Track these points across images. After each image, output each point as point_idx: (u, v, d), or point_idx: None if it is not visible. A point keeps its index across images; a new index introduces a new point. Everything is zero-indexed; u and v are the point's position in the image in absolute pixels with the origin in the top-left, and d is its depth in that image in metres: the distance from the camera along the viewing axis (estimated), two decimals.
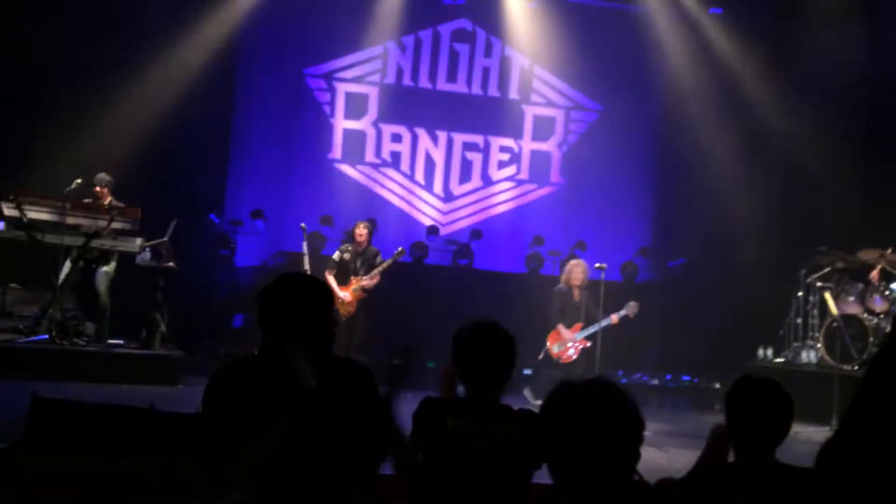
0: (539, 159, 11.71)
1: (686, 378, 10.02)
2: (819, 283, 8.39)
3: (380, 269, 8.04)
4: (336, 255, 8.09)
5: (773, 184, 10.05)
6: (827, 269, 8.42)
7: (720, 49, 10.70)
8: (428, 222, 11.35)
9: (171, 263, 7.93)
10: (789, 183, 10.03)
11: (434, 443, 2.60)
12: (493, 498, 2.57)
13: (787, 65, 10.21)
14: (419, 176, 11.47)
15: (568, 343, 7.73)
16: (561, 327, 7.78)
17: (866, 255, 8.23)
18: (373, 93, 11.33)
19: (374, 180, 11.36)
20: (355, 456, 2.39)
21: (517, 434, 2.58)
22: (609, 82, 11.31)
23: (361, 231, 8.08)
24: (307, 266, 7.96)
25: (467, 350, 2.68)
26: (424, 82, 11.48)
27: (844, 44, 9.60)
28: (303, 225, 8.43)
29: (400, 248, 8.30)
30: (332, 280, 7.83)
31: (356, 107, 11.26)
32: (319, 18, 10.45)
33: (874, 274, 8.00)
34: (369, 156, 11.33)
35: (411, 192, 11.46)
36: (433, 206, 11.51)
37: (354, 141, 11.26)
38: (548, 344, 7.84)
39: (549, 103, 11.74)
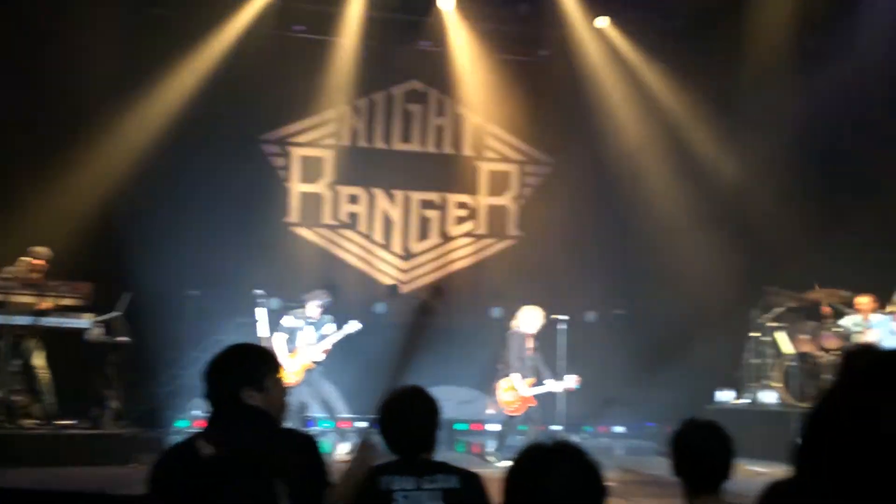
0: (496, 214, 11.84)
1: (651, 424, 10.00)
2: (771, 324, 8.50)
3: (331, 342, 7.99)
4: (286, 321, 8.04)
5: (724, 228, 10.23)
6: (779, 310, 8.55)
7: (663, 100, 11.01)
8: (388, 281, 11.37)
9: (124, 338, 7.81)
10: (739, 226, 10.22)
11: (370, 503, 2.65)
12: None
13: (731, 113, 10.52)
14: (377, 236, 11.53)
15: (518, 396, 7.61)
16: (517, 377, 7.65)
17: (815, 293, 8.38)
18: (328, 155, 11.45)
19: (332, 242, 11.39)
20: None
21: (454, 486, 2.67)
22: (560, 136, 11.55)
23: (315, 307, 8.05)
24: (263, 333, 7.91)
25: (395, 417, 2.77)
26: (379, 143, 11.64)
27: (785, 91, 9.92)
28: (257, 291, 8.40)
29: (354, 321, 8.23)
30: (281, 346, 7.78)
31: (312, 170, 11.36)
32: (272, 85, 10.59)
33: (825, 311, 8.14)
34: (326, 218, 11.38)
35: (370, 252, 11.50)
36: (393, 265, 11.55)
37: (311, 204, 11.33)
38: (498, 391, 7.67)
39: (504, 159, 11.94)
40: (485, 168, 11.89)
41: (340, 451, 8.07)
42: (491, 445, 8.34)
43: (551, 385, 7.56)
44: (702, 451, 2.50)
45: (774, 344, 8.47)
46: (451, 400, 10.26)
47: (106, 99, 9.51)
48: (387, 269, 11.52)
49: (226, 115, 10.26)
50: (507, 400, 7.59)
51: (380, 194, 11.59)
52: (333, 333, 8.07)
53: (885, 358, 0.78)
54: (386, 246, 11.55)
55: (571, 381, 7.59)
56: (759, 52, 10.10)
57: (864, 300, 8.00)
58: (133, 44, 9.78)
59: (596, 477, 1.74)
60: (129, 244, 9.38)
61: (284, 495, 2.17)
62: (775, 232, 9.57)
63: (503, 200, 11.91)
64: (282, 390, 2.66)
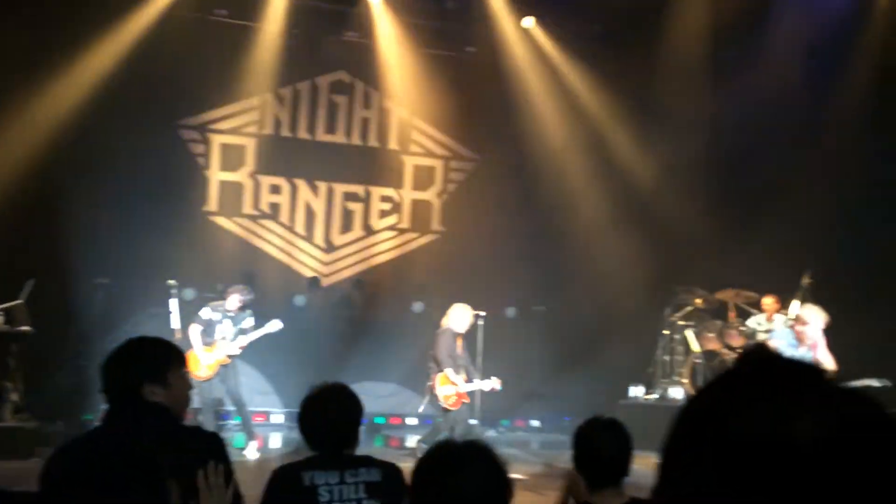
0: (420, 208, 11.85)
1: (567, 419, 10.21)
2: (681, 322, 8.80)
3: (249, 339, 7.83)
4: (204, 313, 7.82)
5: (640, 228, 10.53)
6: (688, 308, 8.86)
7: (585, 101, 11.25)
8: (309, 273, 11.24)
9: (26, 327, 7.46)
10: (654, 227, 10.53)
11: (293, 500, 2.66)
12: None
13: (648, 116, 10.83)
14: (299, 227, 11.37)
15: (455, 390, 7.59)
16: (451, 372, 7.61)
17: (722, 294, 8.73)
18: (250, 144, 11.22)
19: (253, 232, 11.17)
20: None
21: (377, 479, 2.72)
22: (485, 132, 11.64)
23: (235, 301, 7.87)
24: (176, 324, 7.69)
25: (317, 414, 2.76)
26: (303, 133, 11.47)
27: (698, 97, 10.28)
28: (171, 281, 8.15)
29: (275, 321, 8.08)
30: (196, 338, 7.58)
31: (232, 158, 11.10)
32: (192, 69, 10.29)
33: (730, 315, 8.47)
34: (247, 208, 11.15)
35: (291, 243, 11.33)
36: (314, 258, 11.42)
37: (231, 193, 11.07)
38: (435, 388, 7.64)
39: (429, 153, 11.95)
40: (409, 162, 11.88)
41: (251, 447, 7.93)
42: (414, 440, 8.32)
43: (479, 384, 7.62)
44: (601, 447, 2.58)
45: (684, 341, 8.78)
46: (370, 394, 10.25)
47: (14, 79, 9.04)
48: (308, 261, 11.38)
49: (143, 99, 9.90)
50: (447, 394, 7.56)
51: (302, 185, 11.43)
52: (253, 331, 7.89)
53: (770, 360, 0.78)
54: (308, 238, 11.40)
55: (496, 383, 7.69)
56: (675, 57, 10.44)
57: (768, 301, 8.37)
58: (47, 21, 9.32)
59: (503, 475, 1.76)
60: (33, 229, 8.97)
61: (177, 497, 2.10)
62: (688, 233, 9.92)
63: (427, 195, 11.93)
64: (186, 386, 2.60)
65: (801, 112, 9.95)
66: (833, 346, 6.70)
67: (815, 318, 5.81)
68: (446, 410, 7.63)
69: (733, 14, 9.90)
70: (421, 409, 8.01)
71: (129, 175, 9.77)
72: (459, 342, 7.77)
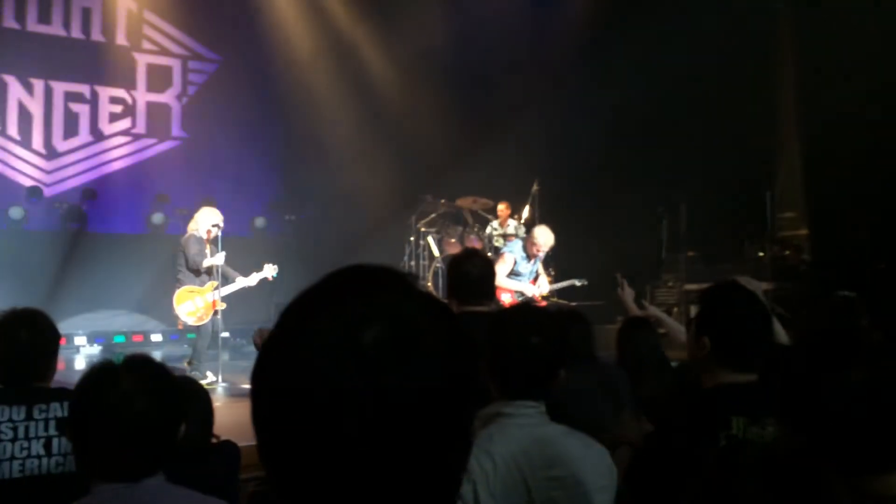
0: (157, 112, 10.99)
1: None
2: (424, 229, 9.22)
3: None
4: None
5: (385, 138, 10.71)
6: (432, 216, 9.28)
7: (331, 7, 10.99)
8: (28, 183, 10.05)
9: None
10: (400, 140, 10.76)
11: None
12: None
13: (388, 20, 10.82)
14: (12, 130, 10.04)
15: (200, 303, 6.92)
16: (192, 286, 7.07)
17: (462, 201, 9.25)
18: None
19: None
20: None
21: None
22: (226, 32, 10.96)
23: None
24: None
25: (4, 342, 2.53)
26: (10, 22, 9.98)
27: (436, 12, 10.44)
28: None
29: None
30: None
31: None
32: None
33: (498, 214, 8.94)
34: None
35: (4, 148, 10.00)
36: (33, 165, 10.20)
37: None
38: (176, 306, 6.85)
39: (164, 52, 11.02)
40: (142, 60, 10.88)
41: None
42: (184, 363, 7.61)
43: (243, 281, 7.10)
44: None
45: (428, 247, 9.21)
46: (109, 309, 9.59)
47: None
48: (26, 168, 10.13)
49: None
50: (190, 310, 6.91)
51: (13, 82, 10.04)
52: None
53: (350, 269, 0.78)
54: (23, 143, 10.12)
55: (270, 271, 7.20)
56: None
57: (501, 207, 9.01)
58: None
59: (166, 390, 1.74)
60: None
61: None
62: (430, 144, 10.28)
63: (165, 97, 11.07)
64: None
65: (528, 31, 10.52)
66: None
67: (545, 240, 6.42)
68: (198, 326, 7.05)
69: None
70: (180, 326, 7.36)
71: None
72: (211, 248, 7.15)
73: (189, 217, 7.40)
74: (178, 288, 6.87)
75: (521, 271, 6.63)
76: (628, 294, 4.03)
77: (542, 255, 6.66)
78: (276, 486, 0.70)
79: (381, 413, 0.68)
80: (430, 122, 10.38)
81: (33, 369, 2.55)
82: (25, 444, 2.48)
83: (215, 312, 6.96)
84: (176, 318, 7.00)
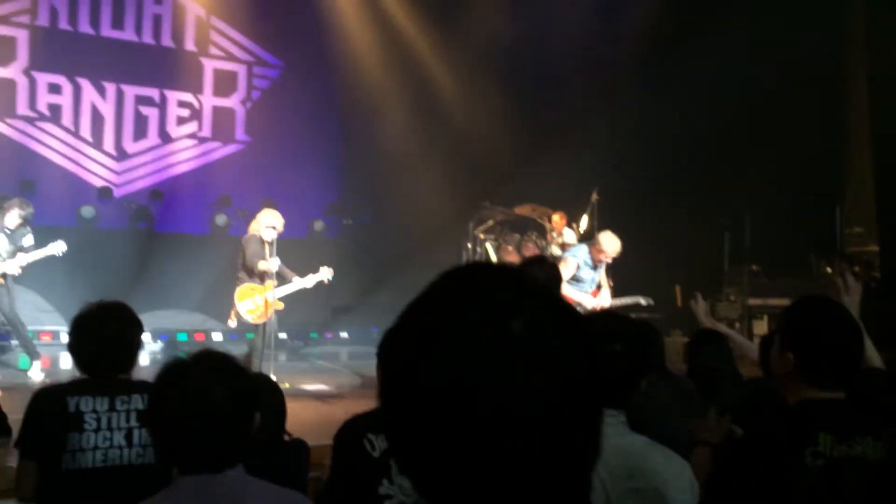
0: (222, 116, 11.24)
1: (375, 330, 10.46)
2: (482, 235, 9.22)
3: (29, 259, 7.09)
4: None
5: (445, 144, 10.75)
6: (489, 223, 9.28)
7: (392, 11, 11.10)
8: (99, 183, 10.38)
9: None
10: (460, 145, 10.80)
11: (55, 426, 2.48)
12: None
13: (452, 28, 10.88)
14: (85, 132, 10.39)
15: (260, 301, 6.96)
16: (253, 284, 6.99)
17: (520, 209, 9.23)
18: (21, 36, 9.95)
19: (30, 136, 10.06)
20: None
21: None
22: (290, 38, 11.15)
23: (15, 218, 7.03)
24: None
25: (91, 333, 2.58)
26: (85, 27, 10.34)
27: (498, 13, 10.47)
28: None
29: (59, 242, 7.24)
30: None
31: (1, 51, 9.80)
32: None
33: (550, 226, 8.79)
34: (21, 108, 9.98)
35: (77, 149, 10.35)
36: (104, 166, 10.53)
37: (1, 91, 9.83)
38: (237, 302, 6.97)
39: (230, 57, 11.28)
40: (209, 66, 11.16)
41: (36, 368, 7.36)
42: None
43: (300, 282, 7.19)
44: None
45: (485, 254, 9.21)
46: (172, 308, 9.82)
47: None
48: (97, 169, 10.47)
49: None
50: (250, 308, 7.04)
51: (87, 85, 10.39)
52: (34, 251, 7.14)
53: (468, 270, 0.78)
54: (95, 144, 10.46)
55: (326, 273, 7.26)
56: None
57: (556, 217, 8.94)
58: None
59: (240, 383, 1.75)
60: None
61: None
62: (489, 151, 10.28)
63: (230, 102, 11.32)
64: None
65: (591, 38, 10.45)
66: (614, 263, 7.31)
67: (612, 247, 6.31)
68: (258, 325, 7.16)
69: None
70: (233, 325, 7.47)
71: None
72: (269, 249, 7.26)
73: (251, 218, 7.52)
74: (240, 285, 6.98)
75: (584, 278, 6.49)
76: (701, 307, 3.96)
77: (607, 262, 6.53)
78: (423, 481, 0.71)
79: (533, 407, 0.68)
80: (490, 128, 10.40)
81: (117, 361, 2.60)
82: (108, 435, 2.55)
83: (273, 313, 7.01)
84: (232, 314, 7.07)
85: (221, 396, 1.68)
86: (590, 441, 0.72)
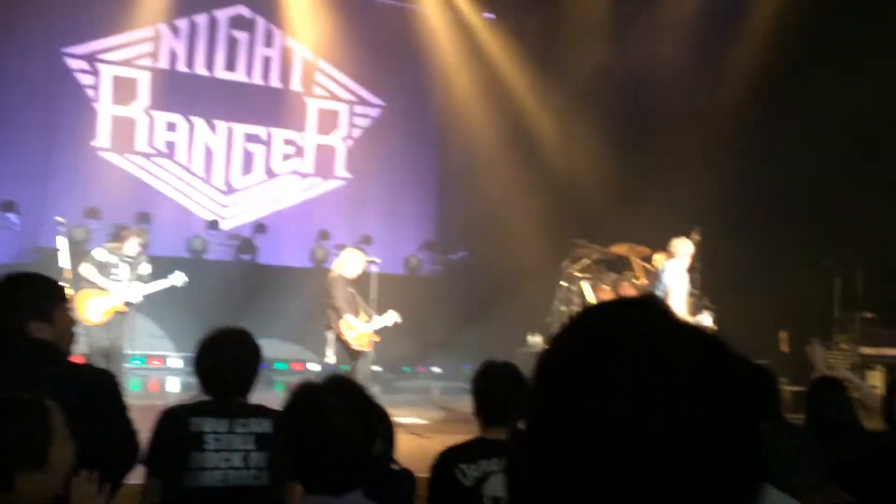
0: (324, 153, 11.63)
1: (467, 366, 10.45)
2: (578, 274, 9.12)
3: (151, 289, 7.46)
4: (98, 253, 7.38)
5: (541, 182, 10.76)
6: (585, 261, 9.18)
7: (491, 52, 11.27)
8: (208, 216, 10.88)
9: None
10: (556, 183, 10.78)
11: (179, 445, 2.57)
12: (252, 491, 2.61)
13: (551, 68, 10.95)
14: (197, 167, 10.95)
15: (362, 333, 7.26)
16: (352, 317, 7.27)
17: (617, 247, 9.09)
18: (143, 77, 10.63)
19: (147, 171, 10.67)
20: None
21: (267, 430, 2.63)
22: (391, 78, 11.48)
23: (135, 246, 7.44)
24: (65, 263, 7.27)
25: (215, 357, 2.68)
26: (201, 69, 10.96)
27: (600, 52, 10.47)
28: (59, 219, 7.67)
29: (179, 273, 7.71)
30: (95, 279, 7.18)
31: (124, 92, 10.50)
32: None
33: (653, 264, 8.64)
34: (141, 145, 10.62)
35: (189, 184, 10.91)
36: (213, 200, 11.04)
37: (123, 128, 10.50)
38: (341, 334, 7.24)
39: (333, 97, 11.70)
40: (313, 105, 11.60)
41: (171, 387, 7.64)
42: None
43: (381, 321, 7.43)
44: (496, 387, 2.68)
45: (580, 293, 9.10)
46: (272, 337, 10.10)
47: None
48: (207, 203, 10.99)
49: (25, 23, 9.16)
50: (355, 336, 7.34)
51: (200, 123, 10.97)
52: (155, 282, 7.50)
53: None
54: (206, 179, 11.00)
55: (395, 316, 7.51)
56: (576, 11, 10.59)
57: (659, 257, 8.74)
58: None
59: (365, 408, 1.79)
60: None
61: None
62: (586, 188, 10.22)
63: (332, 140, 11.71)
64: (70, 322, 2.51)
65: (696, 77, 10.30)
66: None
67: (686, 248, 6.35)
68: (357, 354, 7.40)
69: None
70: (327, 359, 7.74)
71: (12, 105, 9.09)
72: (352, 288, 7.52)
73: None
74: (339, 319, 7.20)
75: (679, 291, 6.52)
76: (818, 353, 3.79)
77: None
78: None
79: (694, 442, 0.68)
80: (587, 166, 10.35)
81: (238, 384, 2.69)
82: (227, 456, 2.64)
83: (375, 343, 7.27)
84: (345, 343, 7.28)
85: (349, 421, 1.73)
86: (751, 479, 0.71)
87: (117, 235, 7.73)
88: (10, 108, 9.15)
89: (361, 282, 7.74)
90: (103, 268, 7.27)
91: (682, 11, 10.31)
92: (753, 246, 9.22)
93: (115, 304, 7.27)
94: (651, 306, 0.77)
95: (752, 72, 9.66)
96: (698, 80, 10.10)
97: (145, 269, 7.48)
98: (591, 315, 0.78)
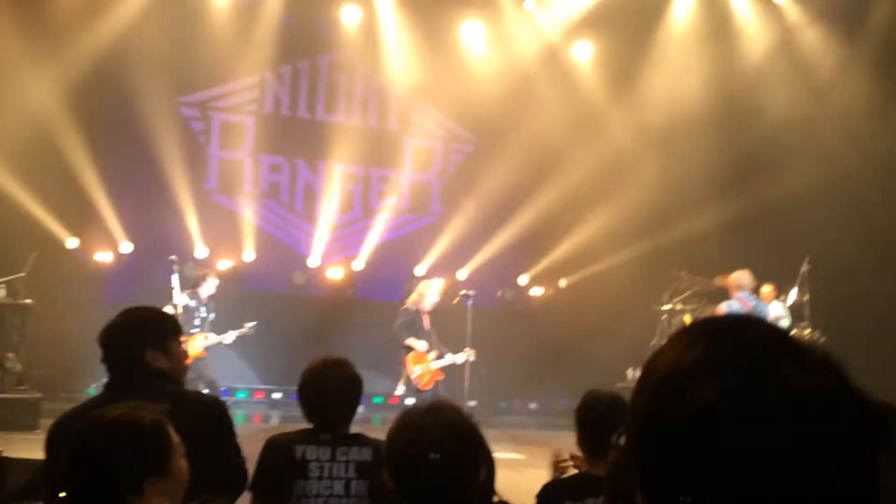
0: (419, 189, 11.85)
1: (564, 402, 10.28)
2: (680, 306, 8.88)
3: (228, 339, 7.75)
4: (180, 299, 7.61)
5: (638, 213, 10.57)
6: (686, 293, 8.93)
7: (582, 82, 11.24)
8: (309, 252, 11.25)
9: (28, 300, 7.45)
10: (653, 213, 10.56)
11: (284, 473, 2.62)
12: None
13: (647, 99, 10.80)
14: (299, 206, 11.36)
15: (427, 369, 7.29)
16: (421, 351, 7.32)
17: (720, 279, 8.78)
18: (249, 122, 11.18)
19: (253, 210, 11.16)
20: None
21: (368, 458, 2.67)
22: (483, 114, 11.59)
23: (211, 288, 7.78)
24: (178, 300, 7.66)
25: (317, 384, 2.74)
26: (303, 112, 11.43)
27: (699, 85, 10.28)
28: (172, 257, 8.11)
29: (250, 324, 7.95)
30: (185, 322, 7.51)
31: (232, 136, 11.06)
32: (191, 47, 10.22)
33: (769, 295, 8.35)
34: (247, 186, 11.13)
35: (291, 222, 11.33)
36: (314, 237, 11.41)
37: (231, 171, 11.05)
38: (410, 366, 7.31)
39: (428, 135, 11.93)
40: (409, 143, 11.86)
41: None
42: None
43: (451, 358, 7.40)
44: (600, 419, 2.62)
45: (681, 325, 8.84)
46: (370, 370, 10.28)
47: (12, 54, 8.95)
48: (307, 240, 11.37)
49: (143, 75, 9.84)
50: (419, 374, 7.32)
51: (302, 165, 11.41)
52: (227, 333, 7.80)
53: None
54: (307, 217, 11.39)
55: (470, 354, 7.45)
56: (671, 45, 10.49)
57: (766, 289, 8.42)
58: None
59: (470, 435, 1.78)
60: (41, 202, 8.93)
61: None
62: (688, 219, 9.96)
63: (426, 176, 11.92)
64: (184, 354, 2.64)
65: (797, 109, 9.96)
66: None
67: (747, 280, 6.08)
68: (419, 391, 7.33)
69: None
70: (397, 392, 7.75)
71: (132, 153, 9.73)
72: (427, 319, 7.48)
73: (440, 286, 7.77)
74: (409, 353, 7.25)
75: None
76: None
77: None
78: None
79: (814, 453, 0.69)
80: (687, 196, 10.12)
81: (339, 412, 2.75)
82: (329, 484, 2.69)
83: (437, 381, 7.34)
84: (410, 377, 7.35)
85: (453, 445, 1.74)
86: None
87: (198, 280, 7.97)
88: (128, 155, 9.78)
89: (458, 316, 7.80)
90: (185, 311, 7.55)
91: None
92: (865, 277, 8.74)
93: (196, 351, 7.52)
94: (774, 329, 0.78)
95: (852, 100, 9.28)
96: (798, 109, 9.77)
97: (212, 315, 7.77)
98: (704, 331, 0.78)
